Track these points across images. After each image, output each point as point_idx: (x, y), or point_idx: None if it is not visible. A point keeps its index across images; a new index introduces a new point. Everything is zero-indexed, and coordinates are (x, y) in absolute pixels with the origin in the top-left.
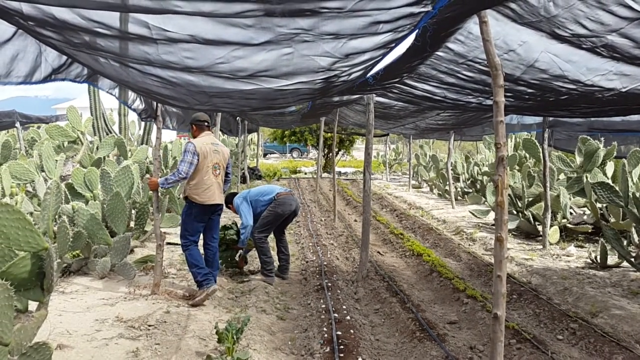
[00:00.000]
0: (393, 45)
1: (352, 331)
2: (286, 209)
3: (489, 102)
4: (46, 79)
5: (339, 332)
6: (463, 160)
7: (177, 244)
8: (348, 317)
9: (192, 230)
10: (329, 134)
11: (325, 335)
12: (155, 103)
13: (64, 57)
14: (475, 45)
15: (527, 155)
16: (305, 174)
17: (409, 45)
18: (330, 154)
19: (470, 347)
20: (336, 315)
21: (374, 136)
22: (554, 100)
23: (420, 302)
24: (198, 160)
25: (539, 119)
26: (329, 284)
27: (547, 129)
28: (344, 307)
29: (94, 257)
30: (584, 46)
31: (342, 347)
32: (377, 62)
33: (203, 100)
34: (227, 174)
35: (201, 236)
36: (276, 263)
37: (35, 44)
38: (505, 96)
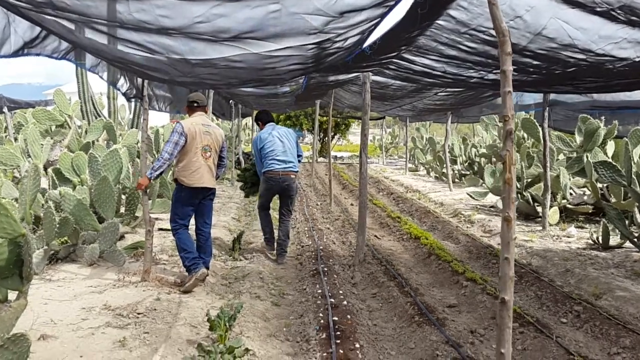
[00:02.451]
0: (392, 3)
1: (349, 316)
2: (270, 186)
3: (491, 76)
4: (17, 53)
5: (336, 318)
6: (460, 143)
7: (169, 230)
8: (345, 302)
9: (181, 213)
10: (325, 118)
11: (322, 321)
12: (139, 81)
13: (37, 29)
14: (479, 12)
15: (525, 136)
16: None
17: (409, 7)
18: (326, 138)
19: (471, 331)
20: (332, 300)
21: (370, 119)
22: (559, 74)
23: (419, 285)
24: (186, 141)
25: (538, 98)
26: (325, 269)
27: (547, 108)
28: (341, 292)
29: (82, 244)
30: (598, 9)
31: (338, 332)
32: (375, 24)
33: (185, 71)
34: (221, 158)
35: (193, 221)
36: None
37: (2, 12)
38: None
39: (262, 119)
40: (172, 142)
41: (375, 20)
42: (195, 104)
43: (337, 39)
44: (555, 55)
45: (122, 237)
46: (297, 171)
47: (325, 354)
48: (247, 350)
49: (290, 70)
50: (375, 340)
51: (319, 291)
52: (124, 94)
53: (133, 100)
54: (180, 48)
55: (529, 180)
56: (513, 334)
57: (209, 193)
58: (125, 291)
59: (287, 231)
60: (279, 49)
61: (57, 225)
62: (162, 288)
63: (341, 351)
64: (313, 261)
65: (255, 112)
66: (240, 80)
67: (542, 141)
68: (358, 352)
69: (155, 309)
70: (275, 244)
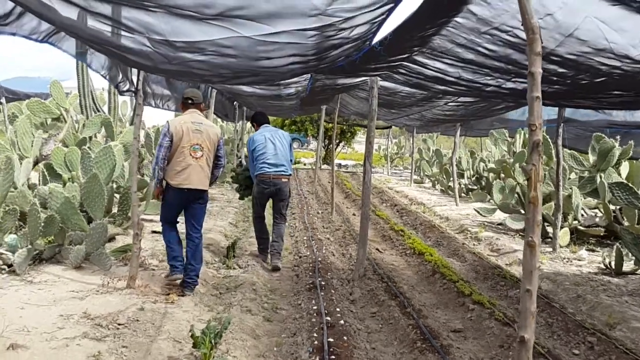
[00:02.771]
0: None
1: (345, 338)
2: (262, 189)
3: (510, 85)
4: None
5: (331, 339)
6: (468, 156)
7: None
8: (342, 322)
9: (165, 214)
10: (330, 125)
11: (316, 342)
12: (132, 73)
13: (9, 5)
14: (503, 9)
15: None
16: (305, 164)
17: None
18: (331, 145)
19: None
20: (329, 318)
21: (376, 128)
22: (585, 84)
23: (422, 306)
24: (171, 141)
25: (552, 114)
26: (323, 283)
27: (561, 124)
28: (338, 309)
29: (69, 245)
30: None
31: (333, 357)
32: (385, 13)
33: (170, 56)
34: (218, 157)
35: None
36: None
37: None
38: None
39: (257, 120)
40: (159, 144)
41: (386, 6)
42: (190, 101)
43: (343, 25)
44: (586, 62)
45: (112, 239)
46: (289, 175)
47: None
48: None
49: (289, 64)
50: None
51: (315, 307)
52: (117, 87)
53: (127, 94)
54: (161, 27)
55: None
56: None
57: (198, 196)
58: (109, 298)
59: (280, 233)
60: (274, 32)
61: (42, 224)
62: (148, 296)
63: None
64: (310, 273)
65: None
66: (233, 73)
67: (554, 158)
68: None
69: (137, 320)
70: (270, 245)
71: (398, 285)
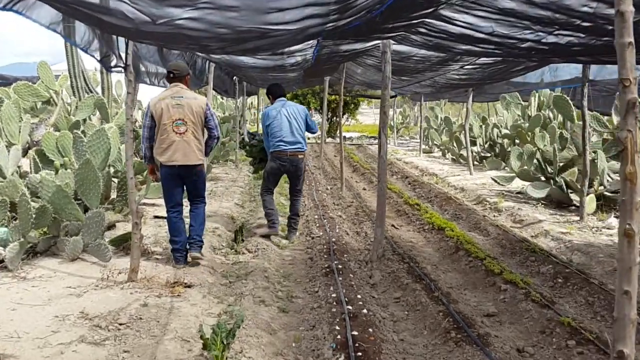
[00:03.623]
0: None
1: (370, 330)
2: (278, 166)
3: (551, 39)
4: None
5: (355, 332)
6: (480, 122)
7: (165, 218)
8: (364, 310)
9: (166, 195)
10: (333, 97)
11: (338, 336)
12: (116, 45)
13: None
14: None
15: (551, 116)
16: (309, 139)
17: None
18: (334, 118)
19: (518, 350)
20: (350, 307)
21: (377, 97)
22: None
23: (450, 288)
24: (153, 120)
25: (576, 72)
26: (339, 266)
27: (587, 84)
28: (359, 295)
29: (65, 236)
30: None
31: (360, 354)
32: None
33: (153, 14)
34: (209, 129)
35: None
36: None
37: None
38: (581, 29)
39: (273, 93)
40: (143, 125)
41: None
42: (172, 75)
43: None
44: None
45: (112, 226)
46: (304, 150)
47: None
48: None
49: (305, 17)
50: None
51: (334, 295)
52: (102, 63)
53: (116, 71)
54: None
55: (562, 164)
56: (569, 354)
57: (192, 172)
58: (108, 294)
59: (297, 210)
60: None
61: (34, 215)
62: (152, 290)
63: None
64: (325, 256)
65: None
66: (235, 34)
67: (575, 121)
68: None
69: (140, 318)
70: (287, 220)
71: (421, 265)
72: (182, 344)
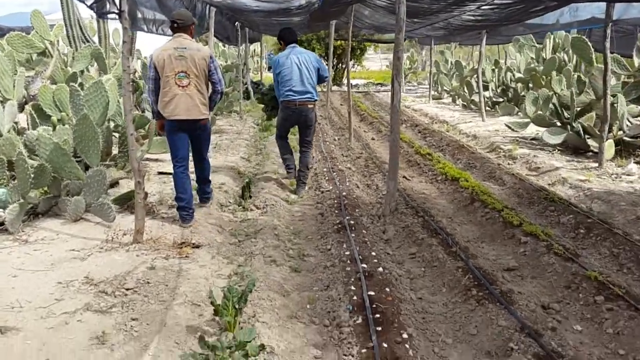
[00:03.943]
0: None
1: (387, 289)
2: (287, 115)
3: None
4: None
5: (372, 292)
6: (492, 66)
7: (170, 174)
8: (380, 269)
9: (171, 149)
10: (339, 42)
11: (354, 297)
12: None
13: None
14: None
15: (567, 58)
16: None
17: None
18: (340, 65)
19: (543, 307)
20: (365, 265)
21: (386, 42)
22: None
23: (467, 242)
24: (156, 72)
25: (598, 12)
26: (351, 222)
27: (609, 24)
28: (373, 252)
29: (66, 196)
30: None
31: (377, 315)
32: None
33: None
34: (213, 83)
35: None
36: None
37: None
38: None
39: (284, 38)
40: (147, 77)
41: None
42: (175, 24)
43: None
44: None
45: (116, 184)
46: (315, 100)
47: (364, 350)
48: (262, 347)
49: None
50: (423, 322)
51: (347, 253)
52: (92, 7)
53: (110, 18)
54: None
55: (579, 108)
56: (598, 311)
57: (195, 127)
58: (114, 256)
59: (307, 162)
60: None
61: (32, 175)
62: (159, 251)
63: (385, 345)
64: (336, 211)
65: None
66: None
67: (594, 64)
68: (407, 344)
69: (148, 282)
70: (296, 176)
71: (435, 218)
72: (192, 308)
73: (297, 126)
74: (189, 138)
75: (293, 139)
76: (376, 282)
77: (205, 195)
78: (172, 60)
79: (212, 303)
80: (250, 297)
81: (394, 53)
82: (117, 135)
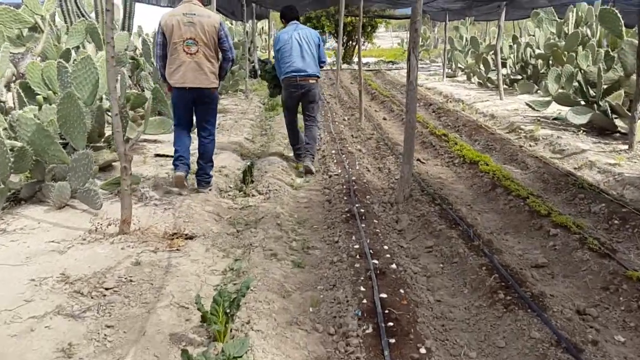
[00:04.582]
0: None
1: (401, 290)
2: (290, 92)
3: None
4: None
5: (384, 295)
6: (510, 42)
7: (168, 156)
8: (393, 265)
9: (176, 116)
10: (349, 19)
11: (364, 300)
12: None
13: None
14: None
15: (589, 33)
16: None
17: None
18: (350, 42)
19: (579, 312)
20: (376, 261)
21: (398, 18)
22: None
23: (490, 234)
24: (164, 37)
25: None
26: (361, 210)
27: None
28: (385, 246)
29: (52, 181)
30: None
31: (391, 323)
32: None
33: None
34: (223, 51)
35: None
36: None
37: None
38: None
39: (286, 15)
40: (155, 42)
41: None
42: None
43: None
44: None
45: (108, 167)
46: (317, 76)
47: None
48: None
49: None
50: (443, 330)
51: (356, 246)
52: None
53: None
54: None
55: (606, 86)
56: None
57: (202, 95)
58: (96, 250)
59: (313, 135)
60: None
61: (12, 159)
62: (147, 243)
63: None
64: (345, 198)
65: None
66: None
67: (623, 37)
68: None
69: (131, 280)
70: (303, 148)
71: (454, 207)
72: (179, 311)
73: (301, 103)
74: (195, 108)
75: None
76: (389, 282)
77: (204, 177)
78: (181, 27)
79: (199, 309)
80: (246, 298)
81: (411, 25)
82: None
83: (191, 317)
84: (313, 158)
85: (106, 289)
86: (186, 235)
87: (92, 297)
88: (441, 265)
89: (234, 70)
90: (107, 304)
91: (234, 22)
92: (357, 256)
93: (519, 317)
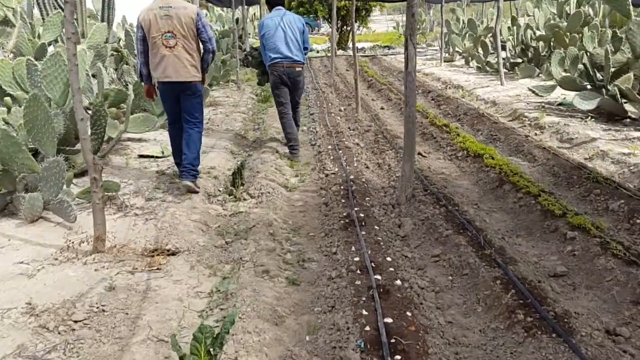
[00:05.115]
0: None
1: (408, 313)
2: (275, 79)
3: None
4: None
5: (388, 319)
6: (508, 24)
7: (154, 157)
8: (398, 282)
9: (165, 112)
10: (342, 2)
11: (367, 327)
12: None
13: None
14: None
15: (592, 12)
16: (318, 52)
17: None
18: (345, 27)
19: (608, 332)
20: (378, 277)
21: (392, 1)
22: None
23: (501, 239)
24: (143, 32)
25: None
26: (361, 214)
27: None
28: (388, 258)
29: (24, 191)
30: None
31: (398, 357)
32: None
33: None
34: (203, 42)
35: None
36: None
37: None
38: None
39: (269, 1)
40: (136, 38)
41: None
42: None
43: None
44: None
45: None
46: (303, 63)
47: None
48: None
49: None
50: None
51: (356, 258)
52: None
53: None
54: None
55: (614, 69)
56: None
57: (185, 88)
58: (67, 272)
59: (297, 120)
60: None
61: None
62: (123, 263)
63: None
64: (343, 200)
65: None
66: None
67: (630, 17)
68: None
69: (103, 310)
70: (285, 135)
71: (460, 208)
72: (156, 347)
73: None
74: (180, 101)
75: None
76: (394, 303)
77: (189, 169)
78: (158, 20)
79: (176, 351)
80: (234, 328)
81: (407, 9)
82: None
83: (171, 354)
84: (297, 144)
85: (75, 321)
86: (168, 250)
87: (59, 333)
88: (450, 277)
89: (225, 60)
90: (76, 341)
91: (225, 9)
92: (358, 271)
93: (543, 344)
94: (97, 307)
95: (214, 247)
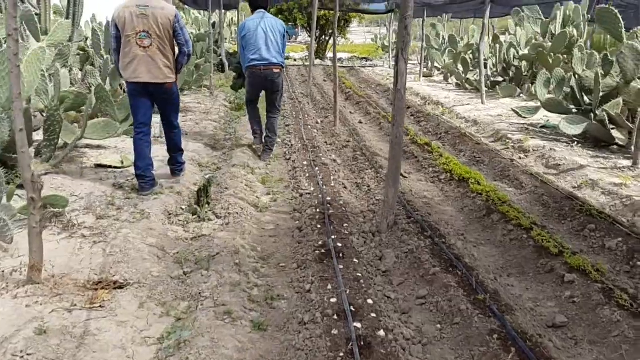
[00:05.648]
0: None
1: None
2: (253, 81)
3: None
4: None
5: None
6: (490, 42)
7: (112, 167)
8: (381, 332)
9: (132, 114)
10: (322, 12)
11: None
12: None
13: None
14: None
15: (576, 33)
16: (295, 60)
17: None
18: (323, 37)
19: None
20: (358, 325)
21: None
22: None
23: (494, 281)
24: (117, 30)
25: None
26: (338, 243)
27: None
28: (369, 299)
29: None
30: None
31: None
32: None
33: None
34: (179, 44)
35: None
36: None
37: None
38: None
39: (253, 3)
40: (111, 36)
41: None
42: None
43: None
44: None
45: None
46: (282, 65)
47: None
48: None
49: None
50: None
51: (333, 300)
52: None
53: None
54: None
55: (603, 94)
56: None
57: (159, 90)
58: None
59: (274, 128)
60: None
61: None
62: (61, 298)
63: None
64: (319, 226)
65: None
66: None
67: (622, 41)
68: None
69: None
70: (262, 141)
71: (447, 240)
72: None
73: (265, 92)
74: (155, 103)
75: (262, 108)
76: (377, 358)
77: (177, 166)
78: (134, 19)
79: None
80: None
81: (400, 21)
82: (42, 117)
83: None
84: (271, 152)
85: None
86: (115, 283)
87: None
88: (439, 326)
89: (198, 64)
90: None
91: (202, 12)
92: (335, 316)
93: None
94: (21, 358)
95: (170, 278)
